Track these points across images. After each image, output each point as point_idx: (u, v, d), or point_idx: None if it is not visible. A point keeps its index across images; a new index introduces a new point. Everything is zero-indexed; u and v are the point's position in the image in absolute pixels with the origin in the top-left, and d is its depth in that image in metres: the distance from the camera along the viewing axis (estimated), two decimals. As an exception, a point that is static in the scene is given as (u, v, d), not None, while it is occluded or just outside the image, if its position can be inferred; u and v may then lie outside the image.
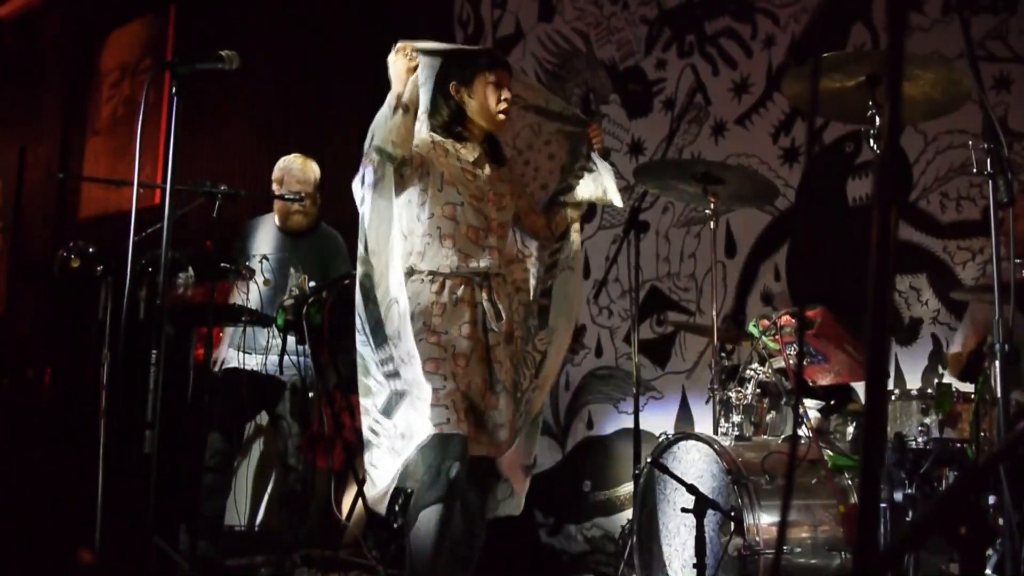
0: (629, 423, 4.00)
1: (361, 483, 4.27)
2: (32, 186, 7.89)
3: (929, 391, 2.88)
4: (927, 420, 2.82)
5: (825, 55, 2.67)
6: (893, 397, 2.92)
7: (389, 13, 5.64)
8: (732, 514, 2.73)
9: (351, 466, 3.97)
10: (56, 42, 7.97)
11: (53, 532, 4.78)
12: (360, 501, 4.26)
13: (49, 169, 7.66)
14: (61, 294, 6.63)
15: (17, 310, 7.70)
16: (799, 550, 2.75)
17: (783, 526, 1.90)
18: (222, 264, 3.78)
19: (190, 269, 3.63)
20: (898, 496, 2.56)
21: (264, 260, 3.95)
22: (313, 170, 4.15)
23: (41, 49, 8.07)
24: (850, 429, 3.04)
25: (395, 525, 4.25)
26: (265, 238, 4.20)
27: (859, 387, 3.22)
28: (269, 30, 6.21)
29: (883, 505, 2.46)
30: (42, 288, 7.15)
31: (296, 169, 4.14)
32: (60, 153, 7.74)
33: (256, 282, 3.89)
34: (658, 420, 4.27)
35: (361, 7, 5.80)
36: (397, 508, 4.32)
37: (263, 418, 4.39)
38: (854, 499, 2.78)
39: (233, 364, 4.06)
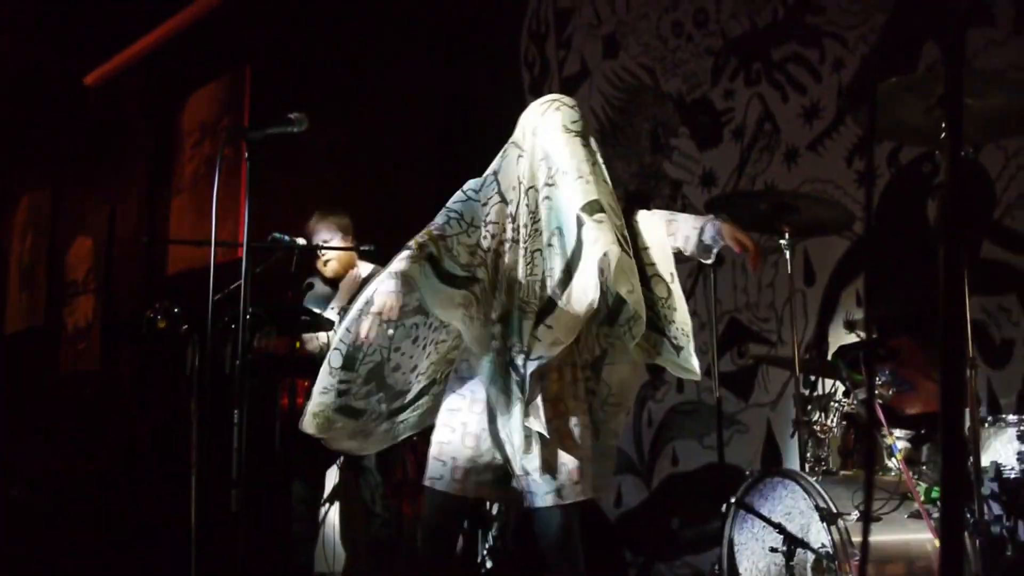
0: (715, 458, 3.94)
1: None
2: (122, 245, 8.17)
3: (1025, 416, 2.77)
4: (1024, 447, 2.71)
5: (893, 80, 2.63)
6: (986, 424, 2.81)
7: (458, 59, 5.73)
8: (823, 552, 2.66)
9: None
10: (139, 106, 8.27)
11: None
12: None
13: (137, 228, 7.94)
14: (152, 350, 6.83)
15: (112, 367, 7.95)
16: (895, 587, 2.66)
17: (864, 560, 1.84)
18: (302, 317, 3.87)
19: (270, 323, 3.72)
20: (996, 529, 2.46)
21: (343, 312, 4.02)
22: (324, 223, 4.29)
23: (126, 114, 8.39)
24: (943, 459, 2.94)
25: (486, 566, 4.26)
26: (322, 292, 4.33)
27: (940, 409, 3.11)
28: (342, 86, 6.35)
29: (979, 539, 2.37)
30: (134, 345, 7.38)
31: (310, 224, 4.32)
32: (147, 213, 8.01)
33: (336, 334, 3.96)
34: (744, 454, 4.20)
35: (430, 55, 5.90)
36: (487, 550, 4.32)
37: (342, 462, 4.44)
38: (951, 532, 2.68)
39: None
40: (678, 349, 2.76)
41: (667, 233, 2.83)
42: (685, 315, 2.77)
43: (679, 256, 2.83)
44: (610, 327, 2.79)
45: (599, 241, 2.60)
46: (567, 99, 2.86)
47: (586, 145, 2.75)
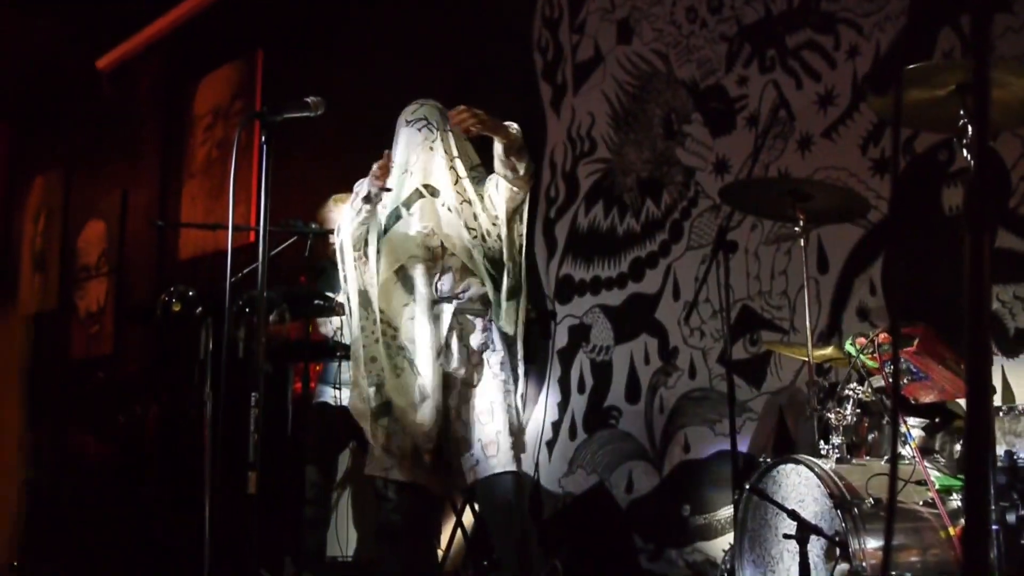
0: (726, 445, 3.94)
1: (459, 512, 4.31)
2: (134, 229, 8.19)
3: (1039, 405, 2.77)
4: (1039, 436, 2.71)
5: (910, 67, 2.61)
6: (1000, 413, 2.81)
7: (468, 44, 5.71)
8: (836, 539, 2.66)
9: (448, 496, 4.01)
10: (152, 90, 8.28)
11: (163, 565, 4.92)
12: (459, 531, 4.29)
13: (149, 212, 7.95)
14: (164, 334, 6.85)
15: (124, 350, 7.98)
16: (909, 575, 2.66)
17: (888, 550, 1.85)
18: (316, 301, 3.88)
19: (284, 307, 3.74)
20: (1011, 518, 2.46)
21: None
22: (339, 209, 4.30)
23: (138, 98, 8.40)
24: (956, 447, 2.94)
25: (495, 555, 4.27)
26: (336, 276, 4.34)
27: (965, 403, 3.11)
28: (354, 70, 6.34)
29: (995, 527, 2.38)
30: (147, 328, 7.40)
31: (324, 209, 4.32)
32: (159, 197, 8.02)
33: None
34: (756, 441, 4.20)
35: (441, 41, 5.89)
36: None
37: (354, 446, 4.46)
38: (963, 520, 2.69)
39: (324, 399, 4.16)
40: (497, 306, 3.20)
41: (497, 177, 3.22)
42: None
43: (512, 184, 3.20)
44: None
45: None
46: (416, 101, 3.35)
47: (423, 128, 3.22)
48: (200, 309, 3.69)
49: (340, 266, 3.21)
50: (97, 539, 5.39)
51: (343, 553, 4.54)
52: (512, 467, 3.02)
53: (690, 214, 4.68)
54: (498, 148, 3.16)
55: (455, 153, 3.21)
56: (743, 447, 4.06)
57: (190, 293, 3.63)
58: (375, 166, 3.10)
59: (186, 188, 7.77)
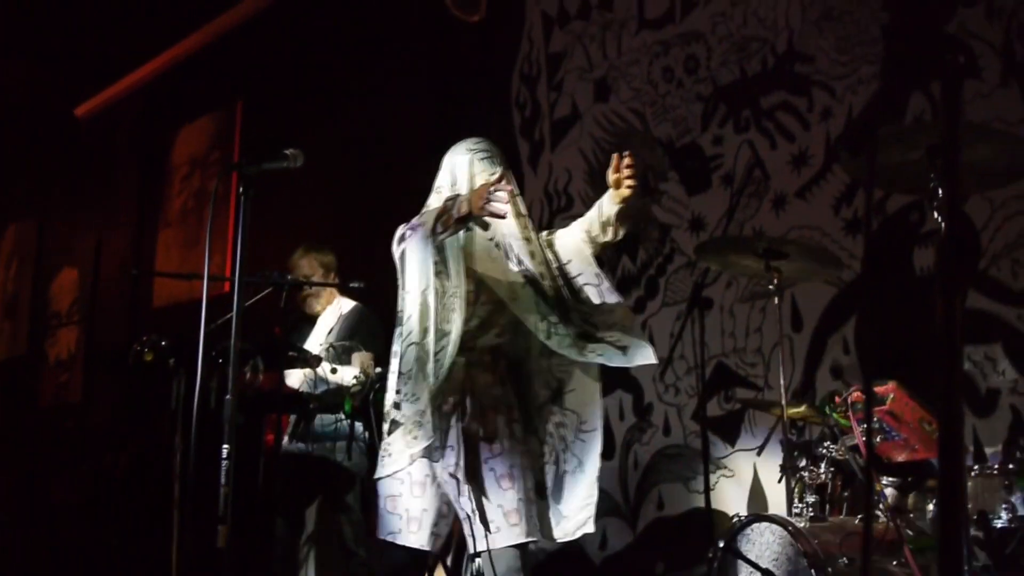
0: (701, 502, 3.93)
1: (431, 568, 4.25)
2: (108, 277, 8.14)
3: (1011, 466, 2.78)
4: (1012, 497, 2.72)
5: (882, 129, 2.66)
6: (973, 473, 2.82)
7: (449, 98, 5.77)
8: (810, 599, 2.65)
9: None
10: (130, 139, 8.28)
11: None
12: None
13: (123, 260, 7.90)
14: (135, 383, 6.78)
15: (94, 398, 7.88)
16: (882, 636, 2.65)
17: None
18: (290, 352, 3.86)
19: (258, 359, 3.71)
20: (983, 579, 2.46)
21: (331, 348, 4.02)
22: (306, 259, 4.30)
23: (116, 146, 8.39)
24: (930, 507, 2.94)
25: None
26: (305, 327, 4.33)
27: (938, 463, 3.12)
28: (333, 122, 6.38)
29: (968, 588, 2.37)
30: (117, 377, 7.32)
31: (292, 259, 4.32)
32: (134, 245, 7.98)
33: (323, 370, 3.95)
34: (730, 499, 4.19)
35: (422, 93, 5.94)
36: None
37: (321, 501, 4.41)
38: (937, 581, 2.68)
39: (293, 451, 4.13)
40: (624, 349, 2.84)
41: (579, 231, 2.95)
42: (621, 313, 2.88)
43: (595, 243, 2.92)
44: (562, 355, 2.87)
45: None
46: (474, 138, 3.08)
47: (485, 159, 2.97)
48: (172, 359, 3.66)
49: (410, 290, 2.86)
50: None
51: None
52: (532, 538, 2.69)
53: (665, 271, 4.71)
54: (611, 209, 2.83)
55: (516, 192, 2.89)
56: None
57: (162, 343, 3.59)
58: (502, 186, 2.65)
59: (161, 237, 7.74)
